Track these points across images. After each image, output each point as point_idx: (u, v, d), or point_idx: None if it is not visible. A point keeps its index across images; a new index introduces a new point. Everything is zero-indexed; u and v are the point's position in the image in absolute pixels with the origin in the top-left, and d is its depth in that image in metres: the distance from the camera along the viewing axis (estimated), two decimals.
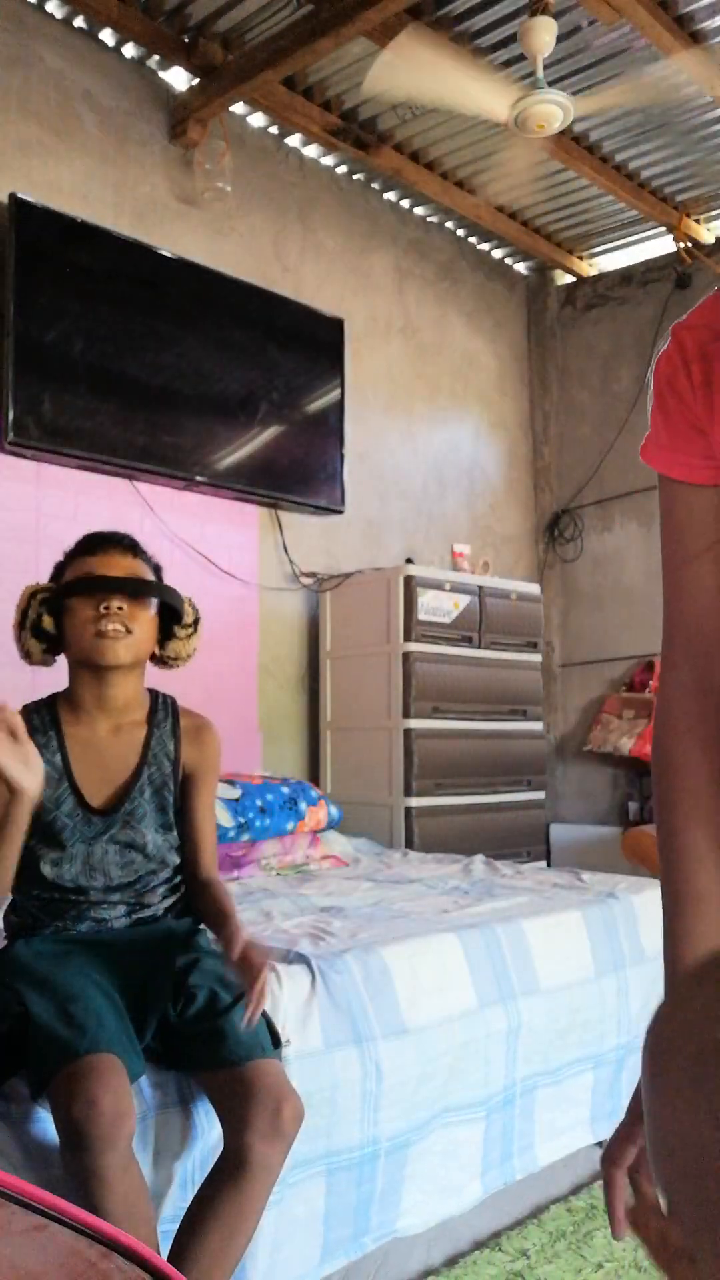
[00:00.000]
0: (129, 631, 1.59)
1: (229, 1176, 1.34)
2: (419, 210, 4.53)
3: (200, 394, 3.47)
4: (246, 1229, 1.34)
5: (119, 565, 1.63)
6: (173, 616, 1.70)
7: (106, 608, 1.57)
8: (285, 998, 1.61)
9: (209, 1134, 1.45)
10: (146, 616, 1.63)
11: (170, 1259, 1.32)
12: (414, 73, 3.03)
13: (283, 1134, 1.35)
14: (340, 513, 3.91)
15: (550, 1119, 2.01)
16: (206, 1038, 1.41)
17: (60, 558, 1.71)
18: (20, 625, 1.64)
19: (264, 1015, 1.45)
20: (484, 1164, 1.87)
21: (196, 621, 1.73)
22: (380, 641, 3.64)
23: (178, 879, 1.64)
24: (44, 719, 1.64)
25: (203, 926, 1.62)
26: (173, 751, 1.65)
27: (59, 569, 1.69)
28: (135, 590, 1.61)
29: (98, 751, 1.62)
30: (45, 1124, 1.32)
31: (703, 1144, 0.37)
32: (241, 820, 2.93)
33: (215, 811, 1.72)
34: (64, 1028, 1.32)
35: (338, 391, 3.89)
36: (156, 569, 1.71)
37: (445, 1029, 1.81)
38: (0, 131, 3.14)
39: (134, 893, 1.59)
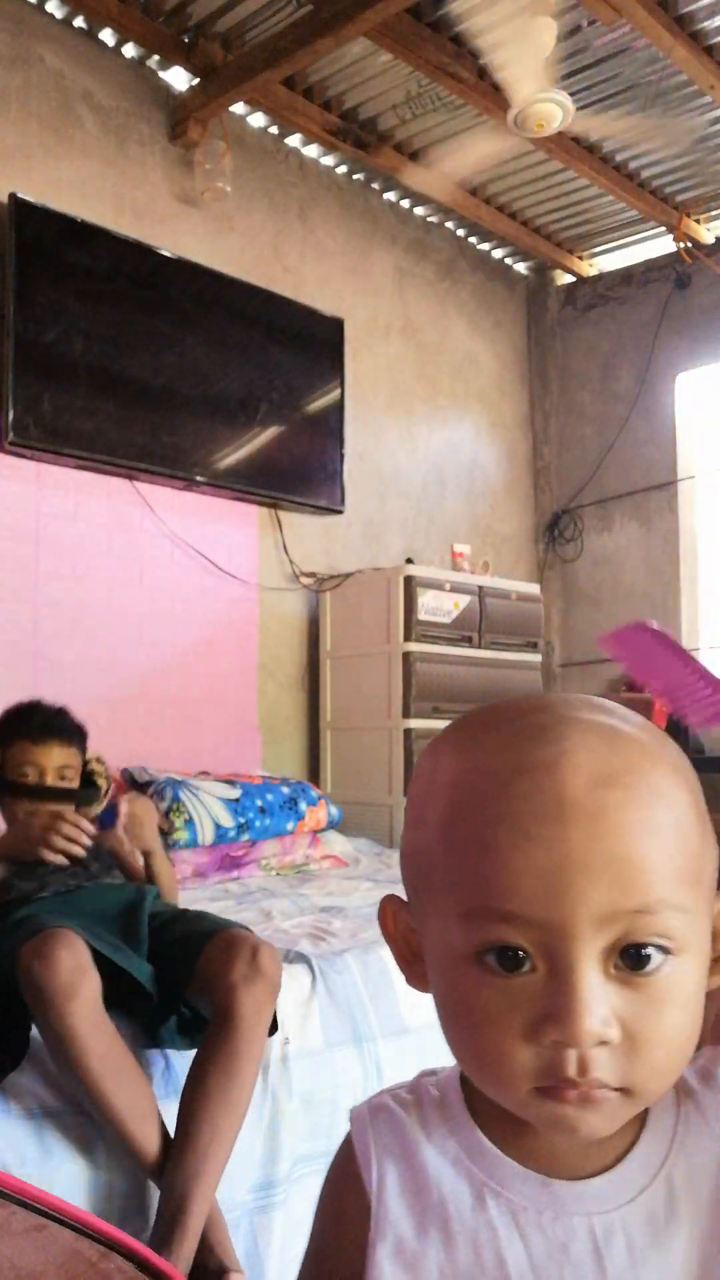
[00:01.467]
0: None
1: (218, 1034, 1.42)
2: (419, 210, 4.53)
3: (200, 394, 3.47)
4: (244, 1093, 1.41)
5: (55, 756, 1.88)
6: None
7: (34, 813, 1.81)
8: (285, 997, 1.61)
9: None
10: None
11: (175, 1136, 1.38)
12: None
13: (263, 972, 1.45)
14: (340, 513, 3.91)
15: None
16: (183, 938, 1.56)
17: (4, 716, 1.94)
18: None
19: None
20: None
21: (108, 789, 2.11)
22: (380, 641, 3.64)
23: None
24: None
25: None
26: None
27: (2, 733, 1.90)
28: (61, 798, 1.87)
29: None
30: (46, 1124, 1.32)
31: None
32: (241, 820, 2.93)
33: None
34: (25, 925, 1.45)
35: (338, 391, 3.89)
36: (83, 740, 1.99)
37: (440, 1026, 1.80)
38: (0, 131, 3.14)
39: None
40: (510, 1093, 0.47)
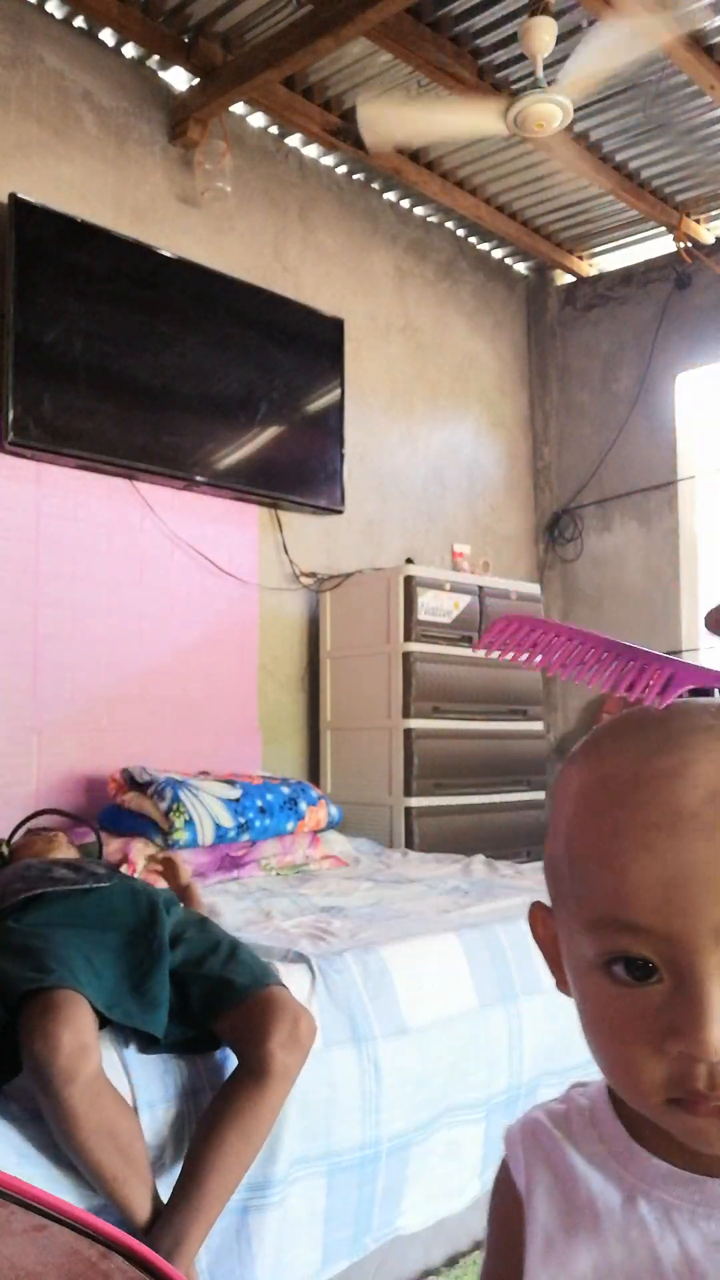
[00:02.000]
0: None
1: (249, 1082, 1.42)
2: (419, 210, 4.53)
3: (200, 394, 3.47)
4: (262, 1130, 1.41)
5: None
6: None
7: None
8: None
9: None
10: None
11: (186, 1160, 1.39)
12: (398, 121, 3.01)
13: (300, 1043, 1.45)
14: (340, 513, 3.91)
15: None
16: (216, 983, 1.53)
17: None
18: None
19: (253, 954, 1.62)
20: (484, 1164, 1.86)
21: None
22: (380, 641, 3.64)
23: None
24: None
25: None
26: None
27: None
28: None
29: None
30: (45, 1124, 1.32)
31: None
32: (241, 820, 2.93)
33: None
34: (27, 969, 1.40)
35: (337, 391, 3.89)
36: None
37: (445, 1029, 1.81)
38: (0, 131, 3.14)
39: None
40: (645, 1103, 0.48)
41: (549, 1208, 0.55)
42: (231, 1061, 1.49)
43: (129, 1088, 1.43)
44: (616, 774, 0.48)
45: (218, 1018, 1.50)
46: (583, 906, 0.48)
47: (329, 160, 4.14)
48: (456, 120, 3.00)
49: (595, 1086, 0.59)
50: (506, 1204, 0.59)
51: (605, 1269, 0.52)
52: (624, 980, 0.47)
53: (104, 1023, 1.44)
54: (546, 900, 0.56)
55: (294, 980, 1.65)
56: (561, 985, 0.56)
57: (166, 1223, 1.34)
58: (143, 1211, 1.33)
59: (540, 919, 0.56)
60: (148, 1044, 1.49)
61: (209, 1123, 1.41)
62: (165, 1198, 1.37)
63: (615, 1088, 0.50)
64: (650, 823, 0.46)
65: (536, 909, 0.56)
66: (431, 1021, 1.79)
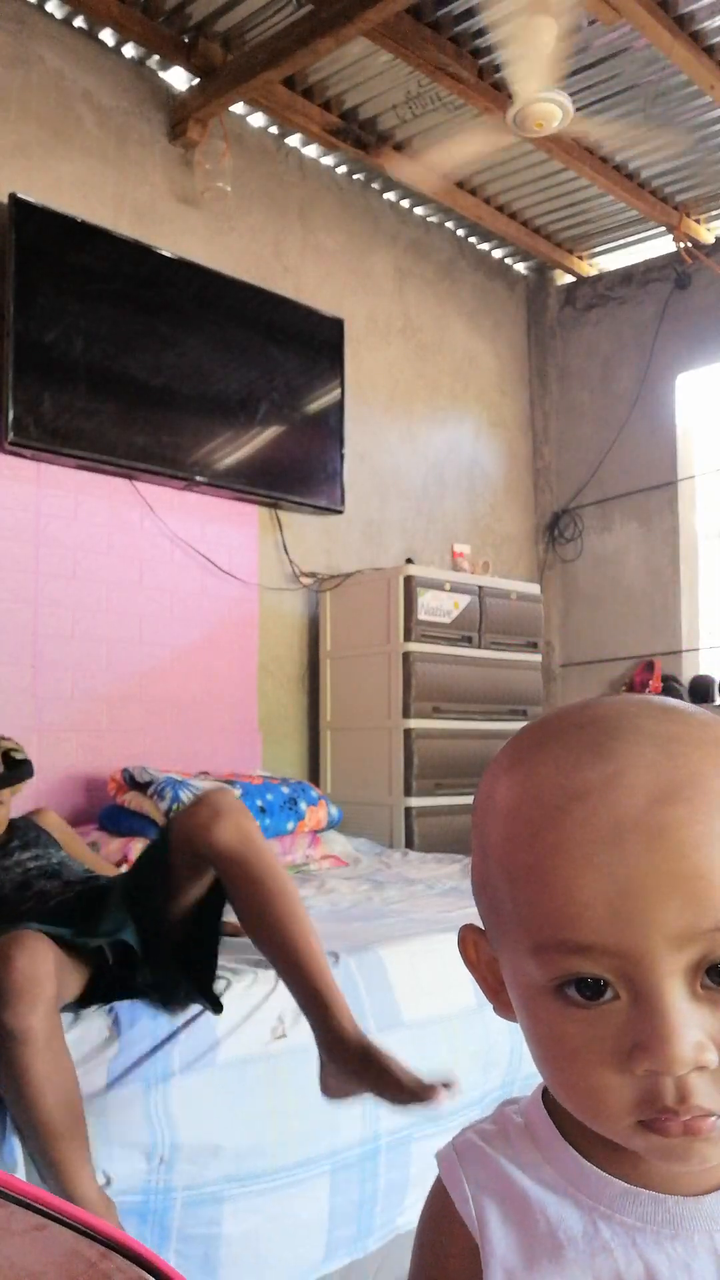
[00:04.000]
0: None
1: (234, 873, 1.51)
2: (419, 210, 4.53)
3: (200, 394, 3.47)
4: (282, 876, 1.53)
5: None
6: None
7: None
8: (281, 995, 1.62)
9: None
10: None
11: (275, 964, 1.51)
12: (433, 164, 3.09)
13: (224, 808, 1.54)
14: (340, 513, 3.91)
15: None
16: (145, 859, 1.70)
17: None
18: None
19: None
20: None
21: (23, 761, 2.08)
22: (380, 641, 3.64)
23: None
24: None
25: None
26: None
27: None
28: None
29: None
30: None
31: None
32: None
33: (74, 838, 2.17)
34: None
35: (337, 391, 3.89)
36: None
37: (443, 1026, 1.81)
38: (0, 131, 3.14)
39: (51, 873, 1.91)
40: (612, 1127, 0.46)
41: (507, 1241, 0.51)
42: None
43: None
44: (547, 788, 0.46)
45: (167, 867, 1.59)
46: (527, 930, 0.46)
47: (329, 160, 4.14)
48: (475, 148, 3.03)
49: (528, 1103, 0.56)
50: (447, 1240, 0.54)
51: None
52: (578, 1002, 0.45)
53: (88, 1000, 1.49)
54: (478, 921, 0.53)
55: None
56: (502, 1010, 0.53)
57: (317, 1021, 1.44)
58: (70, 1169, 1.28)
59: (471, 942, 0.54)
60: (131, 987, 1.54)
61: (253, 929, 1.52)
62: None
63: (578, 1113, 0.48)
64: (591, 838, 0.44)
65: (467, 932, 0.54)
66: (429, 1018, 1.79)
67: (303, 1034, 1.59)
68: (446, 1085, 1.36)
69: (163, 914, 1.60)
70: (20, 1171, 1.32)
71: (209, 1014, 1.55)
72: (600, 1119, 0.46)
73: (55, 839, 2.09)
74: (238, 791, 1.68)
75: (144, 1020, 1.50)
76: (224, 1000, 1.57)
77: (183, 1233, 1.44)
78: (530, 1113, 0.55)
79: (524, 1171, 0.52)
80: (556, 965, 0.45)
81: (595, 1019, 0.44)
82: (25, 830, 2.07)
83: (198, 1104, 1.48)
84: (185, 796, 2.80)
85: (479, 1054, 1.85)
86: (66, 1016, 1.43)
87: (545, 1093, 0.54)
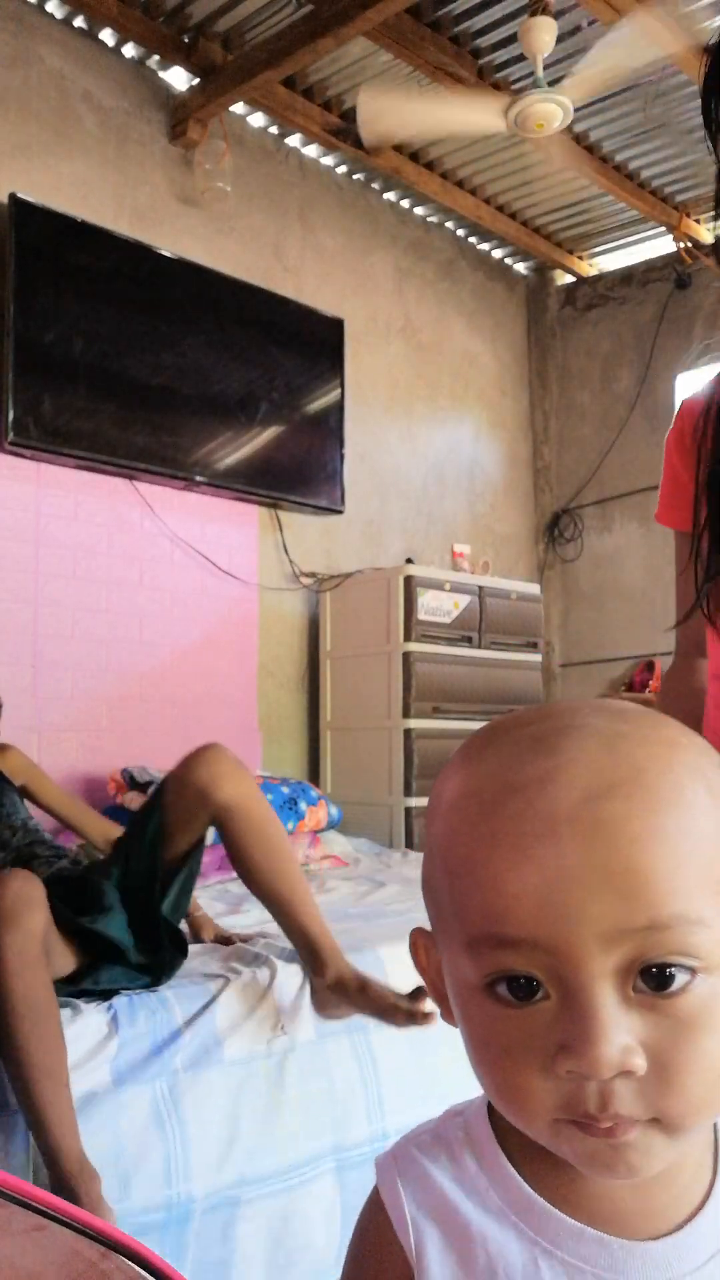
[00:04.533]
0: None
1: (223, 824, 1.59)
2: (419, 210, 4.53)
3: (200, 394, 3.47)
4: (271, 832, 1.62)
5: None
6: None
7: None
8: (279, 993, 1.62)
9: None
10: None
11: (269, 906, 1.61)
12: (399, 112, 3.00)
13: (228, 765, 1.63)
14: (340, 513, 3.91)
15: None
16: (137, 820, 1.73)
17: None
18: None
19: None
20: None
21: None
22: (380, 641, 3.64)
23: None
24: None
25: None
26: None
27: None
28: None
29: None
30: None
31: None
32: None
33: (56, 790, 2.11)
34: None
35: (337, 391, 3.89)
36: None
37: (443, 1026, 1.80)
38: (0, 131, 3.14)
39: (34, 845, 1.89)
40: (533, 1126, 0.44)
41: (445, 1270, 0.49)
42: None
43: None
44: (488, 783, 0.45)
45: (161, 825, 1.64)
46: (462, 925, 0.45)
47: (329, 160, 4.14)
48: (457, 116, 2.99)
49: (473, 1113, 0.54)
50: (382, 1259, 0.52)
51: None
52: (509, 1001, 0.44)
53: (80, 977, 1.52)
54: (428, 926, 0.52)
55: (288, 978, 1.66)
56: (447, 1016, 0.51)
57: (311, 960, 1.58)
58: (52, 1112, 1.28)
59: (421, 946, 0.52)
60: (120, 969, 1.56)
61: (246, 873, 1.61)
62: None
63: (504, 1112, 0.46)
64: (525, 831, 0.43)
65: (417, 935, 0.52)
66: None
67: (295, 1032, 1.59)
68: (421, 991, 1.48)
69: (152, 886, 1.64)
70: (30, 1176, 1.32)
71: (209, 1012, 1.55)
72: (523, 1117, 0.45)
73: (17, 787, 2.01)
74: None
75: (142, 1017, 1.50)
76: (223, 997, 1.58)
77: (200, 1240, 1.44)
78: (474, 1125, 0.53)
79: (466, 1195, 0.50)
80: (488, 960, 0.44)
81: (525, 1018, 0.43)
82: None
83: (207, 1102, 1.48)
84: None
85: None
86: (65, 1012, 1.43)
87: (490, 1105, 0.53)
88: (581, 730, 0.45)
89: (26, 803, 2.04)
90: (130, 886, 1.65)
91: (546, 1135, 0.44)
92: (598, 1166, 0.44)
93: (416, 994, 1.49)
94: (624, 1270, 0.46)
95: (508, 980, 0.44)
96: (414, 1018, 1.47)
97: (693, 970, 0.42)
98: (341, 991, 1.55)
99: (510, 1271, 0.47)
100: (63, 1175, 1.26)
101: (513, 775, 0.45)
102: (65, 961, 1.50)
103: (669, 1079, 0.41)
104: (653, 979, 0.42)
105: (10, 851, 1.83)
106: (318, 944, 1.59)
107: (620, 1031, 0.41)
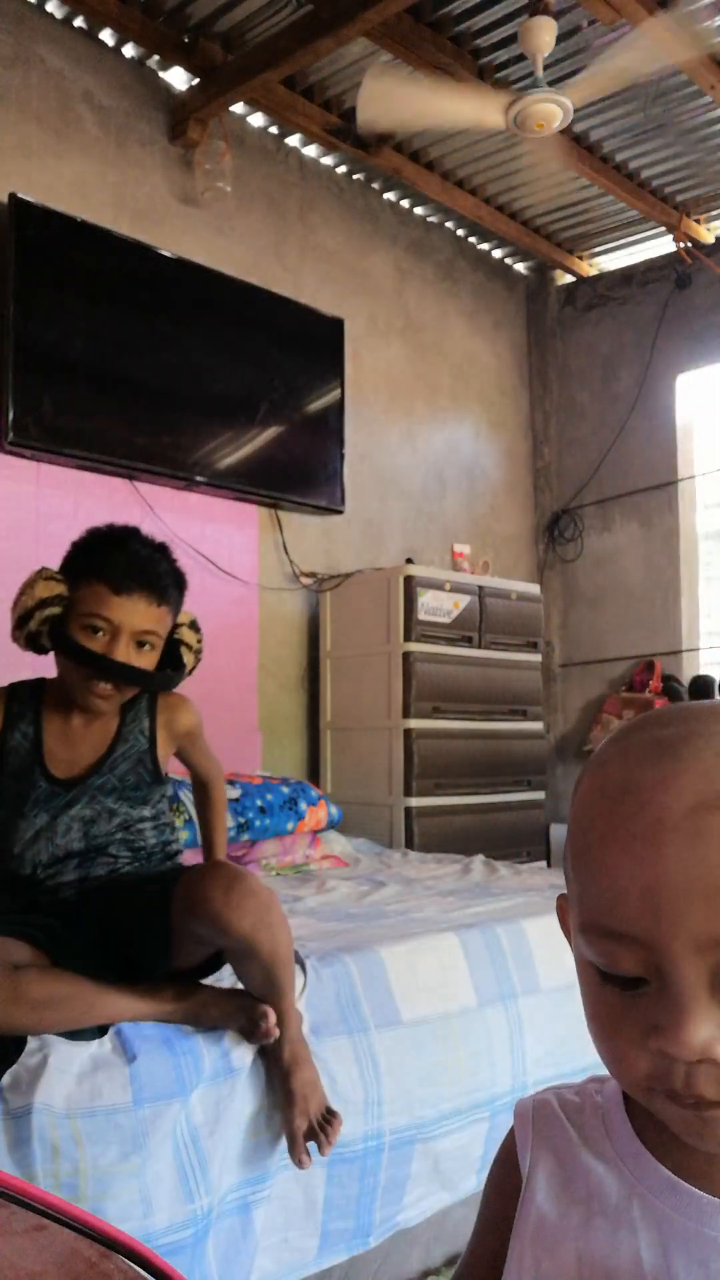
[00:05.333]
0: (119, 691, 1.57)
1: (246, 957, 1.42)
2: (419, 210, 4.53)
3: (200, 394, 3.47)
4: (281, 957, 1.43)
5: (139, 616, 1.51)
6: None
7: (99, 684, 1.53)
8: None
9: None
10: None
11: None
12: (400, 100, 2.98)
13: (251, 892, 1.39)
14: (340, 513, 3.91)
15: None
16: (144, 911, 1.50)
17: (82, 543, 1.60)
18: (19, 624, 1.56)
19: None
20: (483, 1162, 1.86)
21: (193, 668, 1.69)
22: (380, 641, 3.64)
23: (141, 844, 1.64)
24: (26, 696, 1.65)
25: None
26: (148, 729, 1.66)
27: (72, 566, 1.57)
28: (134, 681, 1.54)
29: (70, 733, 1.63)
30: (43, 1121, 1.32)
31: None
32: (241, 820, 2.93)
33: (210, 755, 1.78)
34: None
35: (338, 391, 3.89)
36: (180, 597, 1.61)
37: (443, 1025, 1.81)
38: (0, 131, 3.14)
39: (87, 857, 1.59)
40: (632, 1088, 0.49)
41: (547, 1191, 0.56)
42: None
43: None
44: (611, 780, 0.49)
45: (169, 931, 1.47)
46: (579, 908, 0.50)
47: (329, 160, 4.14)
48: (458, 110, 2.98)
49: (611, 1085, 0.59)
50: (506, 1177, 0.61)
51: (588, 1261, 0.52)
52: (615, 983, 0.48)
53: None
54: (544, 902, 0.57)
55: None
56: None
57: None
58: (127, 1010, 1.33)
59: (563, 909, 0.57)
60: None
61: (243, 978, 1.47)
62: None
63: (610, 1072, 0.52)
64: (634, 832, 0.46)
65: (561, 899, 0.57)
66: (426, 1017, 1.79)
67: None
68: (320, 1145, 1.42)
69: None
70: (40, 1181, 1.31)
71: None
72: (623, 1081, 0.50)
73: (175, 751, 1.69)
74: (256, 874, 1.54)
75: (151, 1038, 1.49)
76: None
77: (215, 1241, 1.44)
78: (609, 1093, 0.59)
79: (584, 1139, 0.57)
80: (598, 946, 0.48)
81: (627, 999, 0.48)
82: (129, 752, 1.62)
83: (220, 1115, 1.47)
84: (184, 796, 2.80)
85: (479, 1054, 1.85)
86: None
87: None
88: (703, 739, 0.48)
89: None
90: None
91: (643, 1097, 0.49)
92: (689, 1134, 0.48)
93: (326, 1128, 1.45)
94: (708, 1222, 0.50)
95: (618, 976, 0.48)
96: (294, 1156, 1.42)
97: None
98: (283, 1079, 1.47)
99: (605, 1203, 0.54)
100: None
101: (630, 776, 0.48)
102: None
103: None
104: None
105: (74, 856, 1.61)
106: (293, 1074, 1.48)
107: (706, 1024, 0.45)
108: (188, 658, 1.63)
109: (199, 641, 1.66)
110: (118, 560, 1.50)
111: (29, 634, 1.54)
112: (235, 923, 1.36)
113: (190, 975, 1.56)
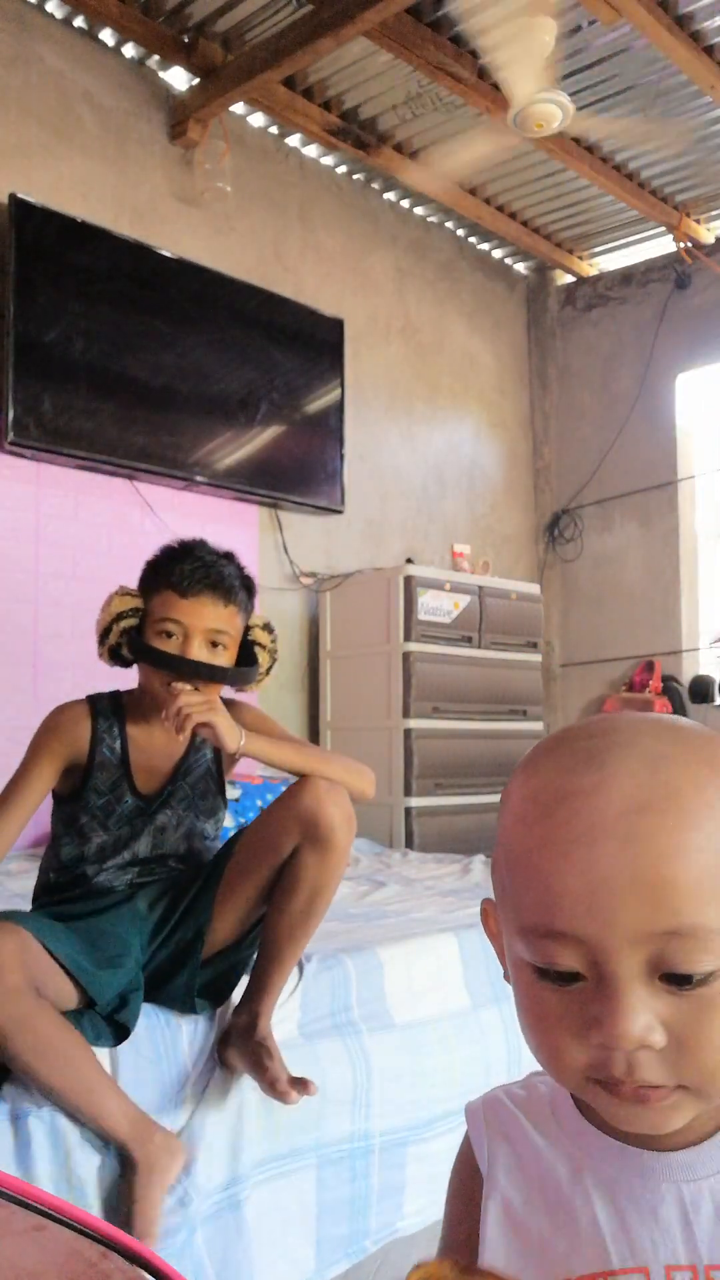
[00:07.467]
0: (197, 690, 1.56)
1: (309, 848, 1.48)
2: (419, 210, 4.53)
3: (200, 394, 3.47)
4: (327, 890, 1.51)
5: (208, 616, 1.55)
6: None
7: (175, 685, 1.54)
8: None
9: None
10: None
11: (262, 941, 1.52)
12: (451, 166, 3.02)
13: (341, 797, 1.52)
14: (340, 513, 3.91)
15: None
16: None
17: (153, 558, 1.65)
18: (101, 640, 1.65)
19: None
20: None
21: (270, 668, 1.71)
22: (380, 641, 3.64)
23: (195, 856, 1.69)
24: (109, 710, 1.68)
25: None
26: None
27: (144, 580, 1.63)
28: (209, 678, 1.56)
29: (150, 744, 1.66)
30: (44, 1121, 1.32)
31: None
32: (242, 820, 2.92)
33: (282, 728, 1.76)
34: None
35: (337, 391, 3.89)
36: (249, 599, 1.65)
37: (435, 1026, 1.81)
38: (0, 131, 3.14)
39: (148, 864, 1.64)
40: (569, 1082, 0.52)
41: (508, 1180, 0.59)
42: None
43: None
44: (544, 789, 0.51)
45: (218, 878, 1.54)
46: (517, 912, 0.51)
47: (329, 160, 4.14)
48: (481, 148, 3.03)
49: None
50: (467, 1177, 0.63)
51: (555, 1236, 0.56)
52: (552, 980, 0.50)
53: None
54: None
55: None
56: (508, 976, 0.58)
57: (248, 998, 1.48)
58: (110, 1118, 1.29)
59: (490, 914, 0.59)
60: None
61: (279, 902, 1.50)
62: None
63: (545, 1068, 0.54)
64: (571, 837, 0.49)
65: (488, 904, 0.60)
66: (420, 1019, 1.79)
67: (285, 1030, 1.59)
68: (304, 1085, 1.42)
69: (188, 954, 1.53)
70: (42, 1183, 1.31)
71: (203, 1015, 1.54)
72: (558, 1075, 0.52)
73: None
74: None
75: (144, 1040, 1.49)
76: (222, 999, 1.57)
77: (210, 1244, 1.44)
78: (553, 1083, 0.61)
79: (536, 1127, 0.60)
80: (537, 946, 0.50)
81: (564, 995, 0.50)
82: (199, 761, 1.66)
83: (207, 1117, 1.47)
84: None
85: (475, 1056, 1.85)
86: None
87: None
88: (629, 748, 0.51)
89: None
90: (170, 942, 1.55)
91: (578, 1089, 0.52)
92: (622, 1120, 0.51)
93: (302, 1084, 1.41)
94: (652, 1175, 0.54)
95: (555, 972, 0.50)
96: (281, 1095, 1.40)
97: (711, 971, 0.48)
98: (247, 1057, 1.45)
99: (558, 1179, 0.57)
100: (123, 1142, 1.29)
101: (564, 784, 0.50)
102: (66, 998, 1.40)
103: (687, 1052, 0.48)
104: (674, 978, 0.48)
105: (135, 865, 1.63)
106: (268, 991, 1.51)
107: (642, 1013, 0.47)
108: (262, 657, 1.67)
109: (273, 642, 1.70)
110: (184, 566, 1.57)
111: (111, 648, 1.63)
112: (325, 809, 1.48)
113: (210, 993, 1.56)
